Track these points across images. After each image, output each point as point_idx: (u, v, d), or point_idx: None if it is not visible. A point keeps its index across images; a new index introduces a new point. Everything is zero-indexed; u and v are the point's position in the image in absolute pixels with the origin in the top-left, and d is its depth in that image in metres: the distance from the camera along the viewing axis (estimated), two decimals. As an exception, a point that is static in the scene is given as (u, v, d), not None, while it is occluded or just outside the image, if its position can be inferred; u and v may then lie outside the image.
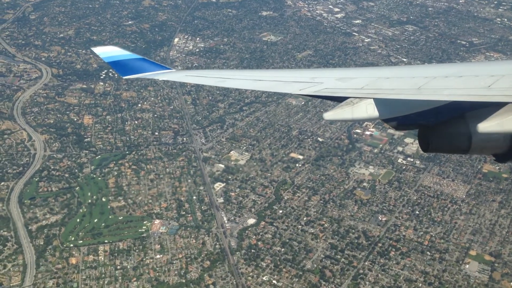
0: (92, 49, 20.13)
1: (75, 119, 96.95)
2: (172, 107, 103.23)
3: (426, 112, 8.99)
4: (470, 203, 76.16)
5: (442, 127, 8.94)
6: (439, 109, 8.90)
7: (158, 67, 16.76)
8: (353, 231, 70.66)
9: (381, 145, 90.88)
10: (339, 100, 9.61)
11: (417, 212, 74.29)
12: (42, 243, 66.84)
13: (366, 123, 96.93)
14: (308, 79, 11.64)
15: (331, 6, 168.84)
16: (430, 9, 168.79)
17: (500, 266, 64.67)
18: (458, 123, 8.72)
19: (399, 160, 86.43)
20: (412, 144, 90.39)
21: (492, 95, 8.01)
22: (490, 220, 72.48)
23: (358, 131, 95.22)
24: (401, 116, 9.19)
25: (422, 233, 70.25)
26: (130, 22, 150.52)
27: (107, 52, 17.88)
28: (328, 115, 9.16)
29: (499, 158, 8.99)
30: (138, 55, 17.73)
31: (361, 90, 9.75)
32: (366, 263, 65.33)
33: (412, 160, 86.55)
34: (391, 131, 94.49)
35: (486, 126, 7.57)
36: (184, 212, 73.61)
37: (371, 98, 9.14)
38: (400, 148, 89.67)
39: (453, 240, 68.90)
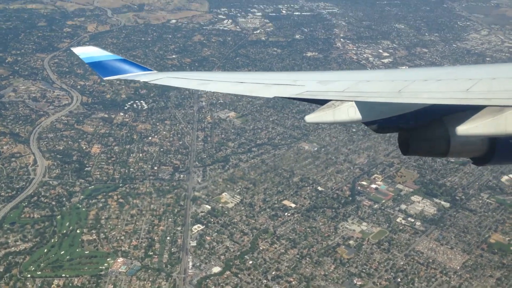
0: (72, 49, 19.31)
1: (84, 148, 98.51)
2: (181, 142, 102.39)
3: (406, 115, 9.13)
4: (464, 276, 67.75)
5: (422, 130, 9.07)
6: (418, 112, 8.99)
7: (139, 68, 16.30)
8: (321, 293, 64.95)
9: (384, 201, 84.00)
10: (320, 103, 9.63)
11: (399, 280, 67.07)
12: (1, 270, 67.01)
13: (374, 175, 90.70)
14: (290, 81, 11.60)
15: (380, 51, 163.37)
16: (487, 59, 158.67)
17: None
18: (437, 126, 8.85)
19: (398, 219, 79.16)
20: (418, 203, 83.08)
21: (470, 98, 8.03)
22: (480, 298, 64.04)
23: (364, 183, 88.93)
24: (382, 119, 9.31)
25: (396, 304, 63.26)
26: (173, 56, 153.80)
27: (87, 52, 17.21)
28: (310, 118, 9.20)
29: (477, 162, 9.12)
30: (118, 56, 16.97)
31: (342, 93, 9.81)
32: (322, 331, 59.42)
33: (412, 220, 78.89)
34: (400, 186, 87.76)
35: (464, 129, 7.64)
36: (151, 253, 71.19)
37: (352, 101, 9.21)
38: (403, 206, 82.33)
39: (429, 316, 61.35)
